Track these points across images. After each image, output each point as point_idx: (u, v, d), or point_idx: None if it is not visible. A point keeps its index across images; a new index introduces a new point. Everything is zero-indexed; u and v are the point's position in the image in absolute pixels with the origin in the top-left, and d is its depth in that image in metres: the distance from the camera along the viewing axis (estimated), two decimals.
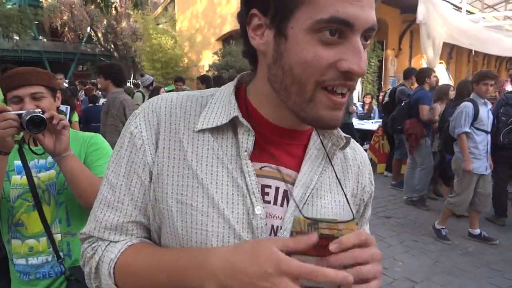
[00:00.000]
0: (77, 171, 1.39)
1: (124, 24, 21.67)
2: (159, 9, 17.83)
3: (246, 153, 0.70)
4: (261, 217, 0.68)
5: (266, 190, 0.71)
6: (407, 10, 12.36)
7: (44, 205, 1.49)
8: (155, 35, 14.58)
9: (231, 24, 14.57)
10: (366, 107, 9.62)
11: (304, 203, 0.71)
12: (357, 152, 0.87)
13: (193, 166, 0.70)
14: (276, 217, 0.70)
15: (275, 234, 0.70)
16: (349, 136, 0.80)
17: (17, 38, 13.88)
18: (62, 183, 1.49)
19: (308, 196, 0.72)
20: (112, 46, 22.75)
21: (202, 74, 9.26)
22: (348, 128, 7.57)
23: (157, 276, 0.66)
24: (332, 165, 0.77)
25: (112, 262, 0.71)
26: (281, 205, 0.71)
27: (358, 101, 10.90)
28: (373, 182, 0.89)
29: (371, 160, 7.67)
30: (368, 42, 0.64)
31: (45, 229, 1.48)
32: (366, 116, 9.35)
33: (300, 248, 0.56)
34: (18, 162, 1.50)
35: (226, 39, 14.85)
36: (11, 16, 12.19)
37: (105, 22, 21.65)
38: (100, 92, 8.90)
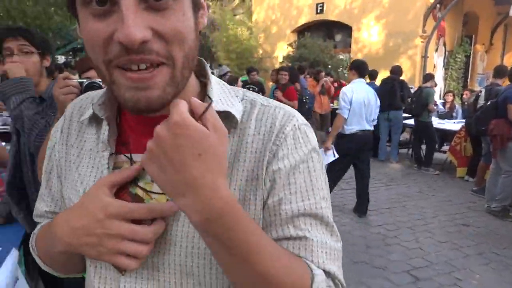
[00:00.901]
0: None
1: None
2: (237, 0, 18.12)
3: (100, 144, 0.69)
4: None
5: None
6: (502, 1, 11.27)
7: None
8: (231, 25, 14.85)
9: (307, 16, 14.37)
10: (448, 105, 8.97)
11: None
12: (267, 122, 0.67)
13: (73, 159, 0.73)
14: None
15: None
16: (227, 111, 0.65)
17: None
18: None
19: None
20: None
21: (277, 65, 9.24)
22: (426, 127, 7.14)
23: (44, 243, 0.74)
24: None
25: (34, 236, 0.80)
26: None
27: (440, 99, 10.22)
28: (290, 153, 0.66)
29: (450, 162, 7.17)
30: (162, 1, 0.52)
31: None
32: (448, 115, 8.72)
33: (124, 178, 0.62)
34: None
35: (301, 31, 14.70)
36: None
37: None
38: None
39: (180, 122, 0.48)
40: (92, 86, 1.36)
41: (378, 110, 4.89)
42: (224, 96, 0.68)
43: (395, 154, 7.91)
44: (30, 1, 12.28)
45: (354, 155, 4.74)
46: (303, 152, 0.66)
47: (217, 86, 0.69)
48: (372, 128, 4.84)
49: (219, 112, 0.59)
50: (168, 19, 0.53)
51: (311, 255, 0.62)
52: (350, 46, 13.47)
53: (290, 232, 0.63)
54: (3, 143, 2.57)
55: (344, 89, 4.78)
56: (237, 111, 0.66)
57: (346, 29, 13.52)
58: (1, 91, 1.72)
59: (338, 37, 14.34)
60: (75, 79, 1.42)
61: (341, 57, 13.37)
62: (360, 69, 4.80)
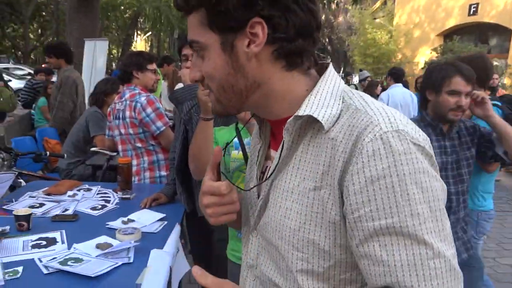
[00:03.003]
0: None
1: (340, 18, 22.23)
2: (378, 4, 17.52)
3: (256, 139, 0.90)
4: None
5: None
6: None
7: None
8: (370, 29, 14.43)
9: (456, 18, 13.19)
10: None
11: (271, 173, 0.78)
12: (352, 129, 0.65)
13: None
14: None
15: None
16: (310, 115, 0.69)
17: None
18: None
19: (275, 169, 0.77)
20: (327, 39, 23.68)
21: (417, 71, 8.69)
22: None
23: None
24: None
25: None
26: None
27: None
28: (366, 167, 0.62)
29: None
30: (199, 52, 0.73)
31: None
32: None
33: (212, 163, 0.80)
34: (235, 140, 1.73)
35: (448, 34, 13.52)
36: None
37: (323, 16, 22.69)
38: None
39: None
40: None
41: (416, 108, 5.22)
42: (323, 100, 0.70)
43: None
44: None
45: None
46: (382, 166, 0.60)
47: (321, 91, 0.71)
48: None
49: (299, 117, 0.69)
50: (203, 64, 0.73)
51: (396, 278, 0.61)
52: (508, 51, 11.90)
53: (375, 252, 0.62)
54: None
55: (381, 95, 5.53)
56: (327, 115, 0.68)
57: (504, 32, 11.99)
58: (176, 97, 2.01)
59: (493, 41, 12.82)
60: None
61: (495, 63, 11.90)
62: (396, 75, 5.62)
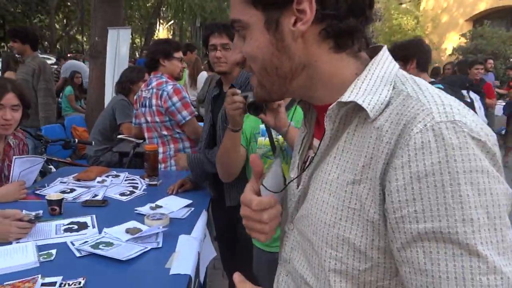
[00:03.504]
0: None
1: None
2: None
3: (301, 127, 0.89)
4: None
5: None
6: None
7: (282, 163, 1.68)
8: (396, 15, 14.07)
9: (487, 2, 12.69)
10: None
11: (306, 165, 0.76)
12: (400, 118, 0.58)
13: None
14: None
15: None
16: (354, 101, 0.63)
17: None
18: None
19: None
20: None
21: (444, 58, 8.46)
22: None
23: None
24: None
25: None
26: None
27: None
28: (412, 161, 0.54)
29: None
30: (240, 32, 0.69)
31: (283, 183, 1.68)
32: None
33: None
34: (262, 126, 1.75)
35: (478, 19, 13.05)
36: None
37: None
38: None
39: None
40: (253, 104, 1.46)
41: None
42: (371, 85, 0.63)
43: None
44: None
45: None
46: (432, 161, 0.52)
47: (370, 75, 0.64)
48: None
49: (343, 103, 0.63)
50: (245, 44, 0.69)
51: None
52: None
53: (418, 258, 0.54)
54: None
55: None
56: (374, 102, 0.61)
57: None
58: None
59: None
60: (239, 93, 1.54)
61: None
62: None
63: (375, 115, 0.61)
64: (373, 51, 0.69)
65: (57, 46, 21.77)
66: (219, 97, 2.19)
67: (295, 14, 0.62)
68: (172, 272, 1.40)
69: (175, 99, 2.56)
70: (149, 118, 2.68)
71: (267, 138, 1.73)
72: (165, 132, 2.65)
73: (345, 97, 0.63)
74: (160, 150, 2.65)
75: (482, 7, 12.97)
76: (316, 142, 0.78)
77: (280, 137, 1.70)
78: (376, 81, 0.64)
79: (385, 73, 0.65)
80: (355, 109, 0.64)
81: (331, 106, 0.65)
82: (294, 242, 0.77)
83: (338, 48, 0.65)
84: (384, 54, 0.67)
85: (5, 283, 1.29)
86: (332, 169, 0.67)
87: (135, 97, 2.93)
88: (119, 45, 5.76)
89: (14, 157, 2.09)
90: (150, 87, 2.68)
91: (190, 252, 1.55)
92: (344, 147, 0.66)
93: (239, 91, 1.54)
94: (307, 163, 0.76)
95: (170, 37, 24.65)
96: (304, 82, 0.68)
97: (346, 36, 0.64)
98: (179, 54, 2.75)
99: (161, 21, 25.80)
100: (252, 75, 0.72)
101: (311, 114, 0.81)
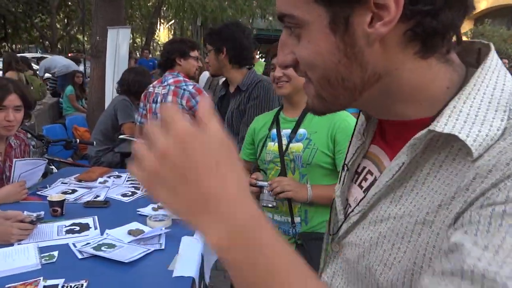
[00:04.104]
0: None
1: None
2: None
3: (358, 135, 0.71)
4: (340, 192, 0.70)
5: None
6: None
7: (289, 172, 1.68)
8: None
9: (488, 0, 12.66)
10: None
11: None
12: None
13: None
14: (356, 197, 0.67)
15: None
16: (453, 134, 0.47)
17: (271, 18, 15.73)
18: (307, 158, 1.63)
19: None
20: None
21: None
22: None
23: None
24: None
25: None
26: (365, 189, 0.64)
27: None
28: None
29: None
30: (293, 30, 0.52)
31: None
32: None
33: None
34: (274, 131, 1.74)
35: (479, 18, 13.03)
36: None
37: None
38: None
39: (187, 131, 0.43)
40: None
41: None
42: (476, 109, 0.47)
43: None
44: None
45: None
46: None
47: (474, 95, 0.48)
48: None
49: (437, 133, 0.48)
50: (300, 46, 0.53)
51: None
52: None
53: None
54: None
55: None
56: (481, 137, 0.45)
57: None
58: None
59: None
60: (256, 183, 1.65)
61: None
62: None
63: (479, 153, 0.45)
64: (467, 52, 0.54)
65: (58, 46, 21.77)
66: (225, 97, 2.19)
67: (373, 10, 0.46)
68: (175, 274, 1.38)
69: (198, 98, 2.58)
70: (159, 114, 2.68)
71: (277, 144, 1.72)
72: None
73: (441, 126, 0.47)
74: None
75: (483, 5, 12.95)
76: (374, 148, 0.64)
77: (291, 145, 1.68)
78: (484, 103, 0.47)
79: (495, 91, 0.48)
80: (449, 138, 0.48)
81: (418, 135, 0.49)
82: (337, 267, 0.66)
83: (425, 52, 0.49)
84: (493, 61, 0.50)
85: (6, 286, 1.28)
86: (403, 202, 0.53)
87: (144, 93, 2.93)
88: (119, 44, 5.75)
89: (14, 160, 2.08)
90: (166, 83, 2.68)
91: (193, 254, 1.54)
92: (425, 180, 0.51)
93: (255, 182, 1.64)
94: (365, 179, 0.64)
95: (171, 36, 24.63)
96: (377, 95, 0.53)
97: (438, 36, 0.48)
98: (195, 53, 2.76)
99: (162, 20, 25.79)
100: (306, 81, 0.56)
101: (372, 121, 0.67)
